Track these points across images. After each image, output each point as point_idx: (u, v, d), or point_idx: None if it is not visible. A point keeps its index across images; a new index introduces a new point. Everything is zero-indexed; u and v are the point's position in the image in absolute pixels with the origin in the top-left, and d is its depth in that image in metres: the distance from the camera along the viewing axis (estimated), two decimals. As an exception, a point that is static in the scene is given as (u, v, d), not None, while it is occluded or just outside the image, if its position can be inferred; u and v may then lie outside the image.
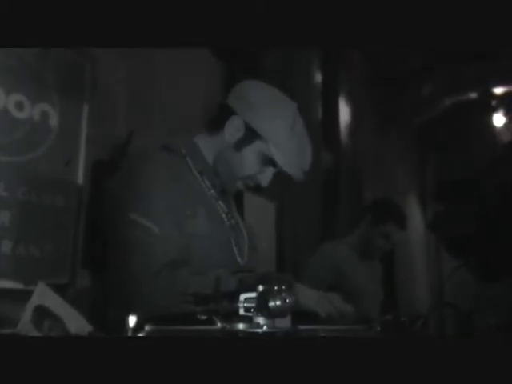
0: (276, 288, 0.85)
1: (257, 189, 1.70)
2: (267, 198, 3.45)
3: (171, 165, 1.54)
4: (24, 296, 1.49)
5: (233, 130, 1.59)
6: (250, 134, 1.57)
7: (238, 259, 1.61)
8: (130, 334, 0.87)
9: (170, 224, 1.44)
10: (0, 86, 1.74)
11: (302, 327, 0.94)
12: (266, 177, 1.63)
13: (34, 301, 1.55)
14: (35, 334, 1.21)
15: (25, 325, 1.43)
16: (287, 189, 3.47)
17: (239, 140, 1.59)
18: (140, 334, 0.87)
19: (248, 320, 0.87)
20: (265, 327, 0.86)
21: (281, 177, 1.64)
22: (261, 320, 0.86)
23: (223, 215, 1.62)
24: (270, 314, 0.85)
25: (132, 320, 0.88)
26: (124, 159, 1.57)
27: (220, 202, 1.62)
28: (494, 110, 7.00)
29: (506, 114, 6.92)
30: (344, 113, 5.10)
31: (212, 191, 1.61)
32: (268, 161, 1.59)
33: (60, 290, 1.59)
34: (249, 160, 1.59)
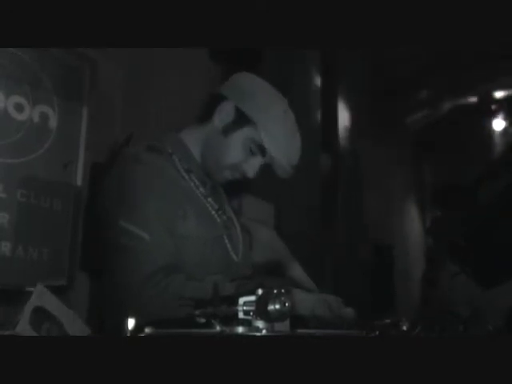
0: (275, 291, 0.85)
1: (246, 187, 1.68)
2: (266, 199, 3.44)
3: (158, 166, 1.52)
4: (23, 298, 1.49)
5: (223, 114, 1.57)
6: (240, 119, 1.55)
7: (233, 256, 1.60)
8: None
9: (160, 229, 1.43)
10: (0, 89, 1.74)
11: (300, 331, 0.93)
12: (252, 167, 1.60)
13: (33, 303, 1.55)
14: (34, 335, 1.21)
15: (23, 326, 1.43)
16: (287, 190, 3.47)
17: (228, 124, 1.56)
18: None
19: (247, 323, 0.87)
20: (264, 331, 0.85)
21: (270, 175, 1.62)
22: (260, 323, 0.86)
23: (213, 212, 1.60)
24: (269, 317, 0.85)
25: (131, 323, 0.87)
26: (114, 162, 1.56)
27: (210, 200, 1.61)
28: (493, 114, 7.01)
29: (505, 119, 6.93)
30: (343, 117, 5.10)
31: (201, 189, 1.59)
32: (256, 149, 1.57)
33: (58, 292, 1.59)
34: (236, 146, 1.56)
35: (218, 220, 1.60)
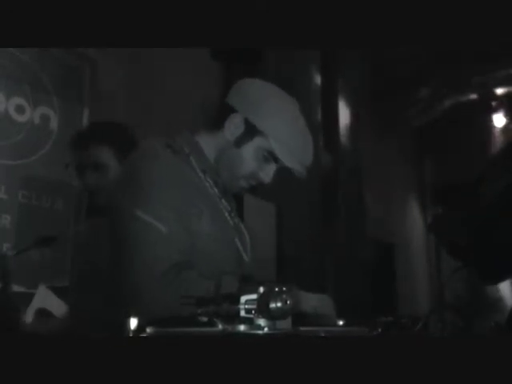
0: (277, 289, 0.85)
1: (260, 187, 1.68)
2: (267, 198, 3.45)
3: (176, 163, 1.54)
4: (25, 299, 1.49)
5: (232, 127, 1.58)
6: (250, 131, 1.57)
7: (244, 258, 1.61)
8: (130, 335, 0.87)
9: (176, 223, 1.43)
10: (0, 90, 1.74)
11: (302, 329, 0.93)
12: (267, 174, 1.62)
13: (35, 304, 1.56)
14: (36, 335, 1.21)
15: (26, 327, 1.43)
16: (287, 190, 3.47)
17: (239, 137, 1.58)
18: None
19: (249, 322, 0.87)
20: (266, 329, 0.86)
21: (282, 174, 1.63)
22: (262, 322, 0.86)
23: (226, 214, 1.61)
24: (270, 315, 0.85)
25: (133, 322, 0.87)
26: (131, 157, 1.56)
27: (223, 201, 1.62)
28: (494, 113, 7.01)
29: (505, 118, 6.93)
30: (344, 114, 5.10)
31: (215, 190, 1.61)
32: (269, 157, 1.58)
33: (61, 292, 1.59)
34: (249, 157, 1.58)
35: (231, 222, 1.62)
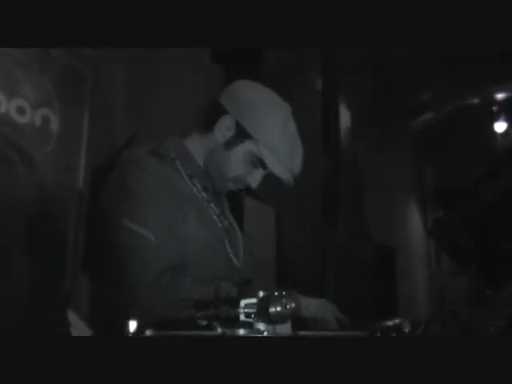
0: (276, 294, 0.84)
1: (247, 190, 1.68)
2: (267, 202, 3.44)
3: (161, 170, 1.53)
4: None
5: (223, 129, 1.58)
6: (241, 134, 1.57)
7: (234, 261, 1.60)
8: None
9: (164, 230, 1.43)
10: (1, 91, 1.73)
11: (302, 333, 0.93)
12: (255, 178, 1.61)
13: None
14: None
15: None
16: (286, 194, 3.47)
17: (229, 139, 1.58)
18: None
19: (248, 326, 0.86)
20: (265, 333, 0.85)
21: (271, 179, 1.62)
22: (261, 326, 0.86)
23: (215, 217, 1.61)
24: (270, 319, 0.84)
25: (132, 325, 0.87)
26: (117, 165, 1.56)
27: (211, 205, 1.61)
28: (494, 114, 7.01)
29: (505, 119, 6.93)
30: (343, 118, 5.10)
31: (203, 194, 1.60)
32: (257, 162, 1.58)
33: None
34: (238, 160, 1.58)
35: (219, 225, 1.61)
